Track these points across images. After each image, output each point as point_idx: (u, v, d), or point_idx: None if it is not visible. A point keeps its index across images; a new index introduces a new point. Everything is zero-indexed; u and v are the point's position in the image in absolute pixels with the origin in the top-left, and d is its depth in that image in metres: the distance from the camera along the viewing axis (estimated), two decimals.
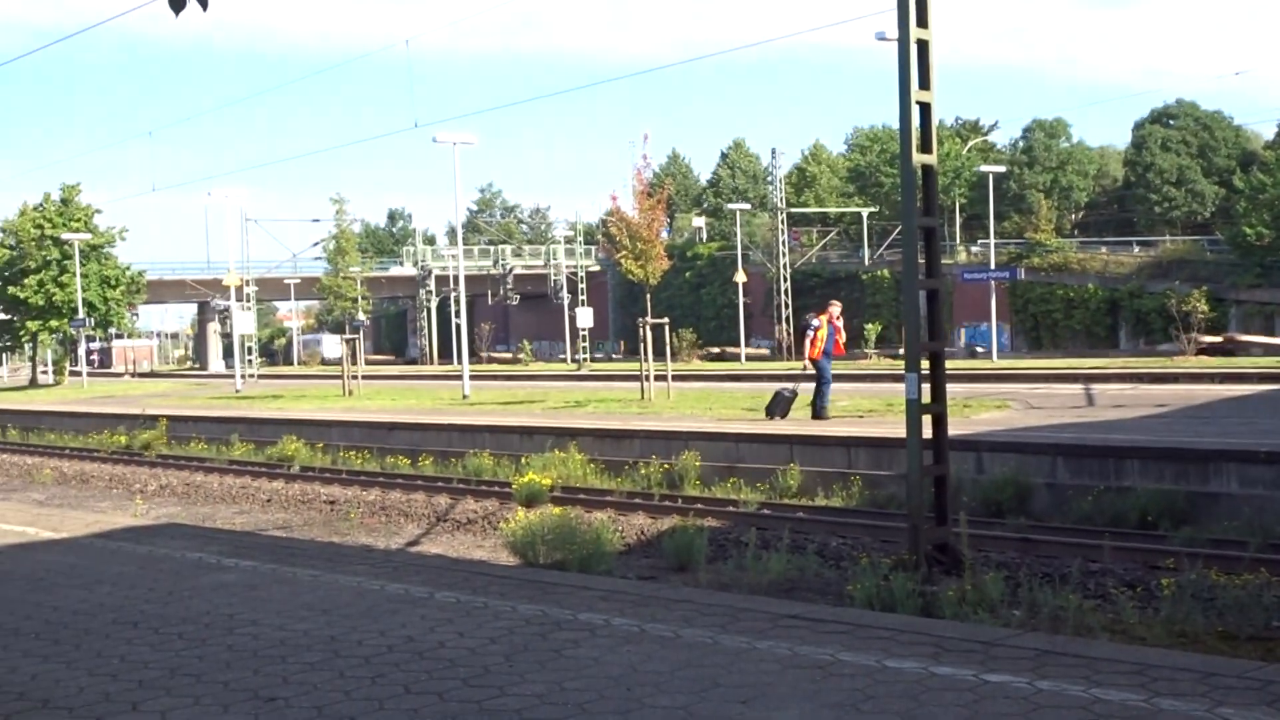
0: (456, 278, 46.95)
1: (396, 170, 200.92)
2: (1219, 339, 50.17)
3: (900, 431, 14.02)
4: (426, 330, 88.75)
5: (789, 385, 22.34)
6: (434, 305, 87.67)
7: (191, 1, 5.31)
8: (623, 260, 29.83)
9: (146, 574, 9.08)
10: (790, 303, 71.66)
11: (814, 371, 21.41)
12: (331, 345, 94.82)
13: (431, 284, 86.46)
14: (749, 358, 63.65)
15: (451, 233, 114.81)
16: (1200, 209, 75.26)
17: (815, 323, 21.32)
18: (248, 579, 8.71)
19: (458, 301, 46.35)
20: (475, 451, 22.32)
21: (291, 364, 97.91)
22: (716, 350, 71.17)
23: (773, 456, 18.38)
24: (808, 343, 21.24)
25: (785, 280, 71.60)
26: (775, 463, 18.15)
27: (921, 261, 11.01)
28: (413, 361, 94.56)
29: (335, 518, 18.51)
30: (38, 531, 11.88)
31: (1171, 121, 77.35)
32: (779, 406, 20.85)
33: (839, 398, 25.45)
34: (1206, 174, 75.25)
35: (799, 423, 20.56)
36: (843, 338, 21.74)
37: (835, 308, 21.81)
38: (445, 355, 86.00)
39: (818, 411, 20.88)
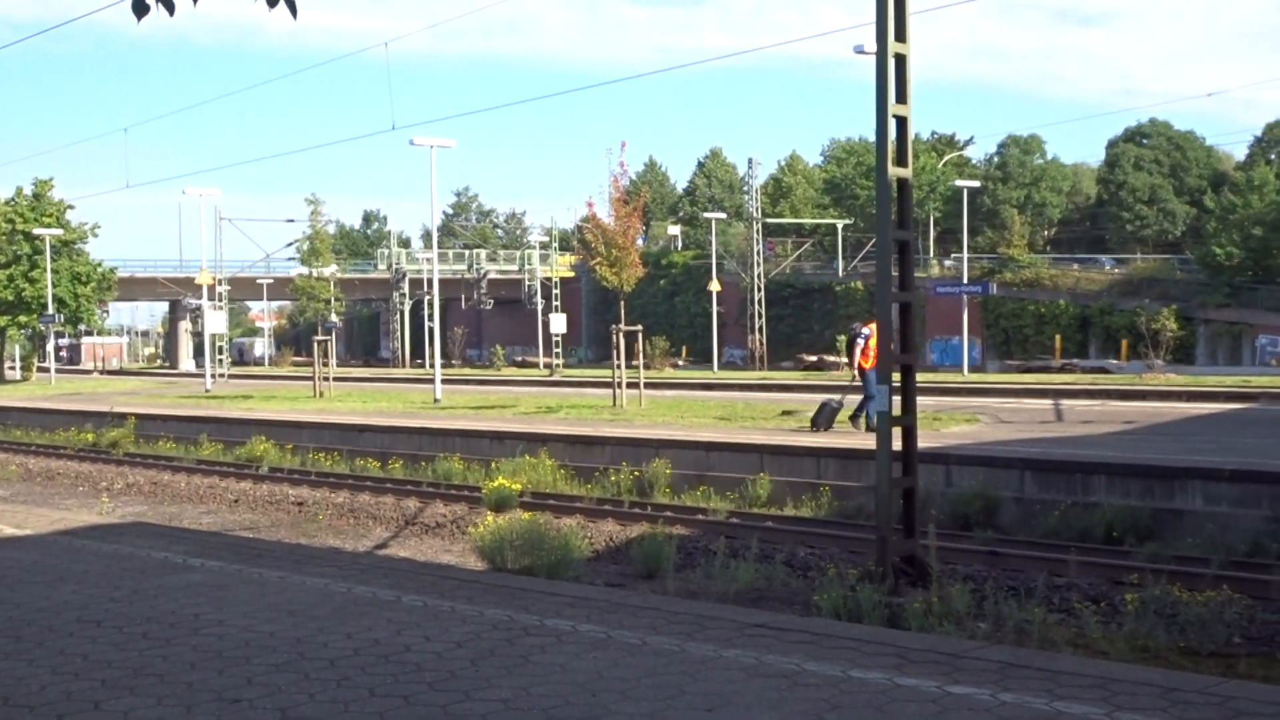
0: (430, 281, 46.85)
1: (373, 172, 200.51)
2: (1061, 361, 54.44)
3: (870, 443, 14.09)
4: (399, 333, 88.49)
5: (835, 396, 22.18)
6: (407, 308, 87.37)
7: (158, 6, 5.27)
8: (597, 266, 29.85)
9: (111, 572, 9.01)
10: (764, 313, 71.95)
11: (860, 383, 20.93)
12: (258, 348, 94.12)
13: (405, 287, 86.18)
14: (722, 366, 63.77)
15: (426, 236, 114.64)
16: (1171, 228, 75.97)
17: (865, 332, 20.83)
18: (214, 579, 8.65)
19: (431, 305, 46.25)
20: (445, 455, 22.26)
21: (262, 364, 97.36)
22: (681, 361, 71.25)
23: (743, 465, 18.41)
24: (858, 352, 20.69)
25: (759, 290, 71.85)
26: (745, 472, 18.19)
27: (895, 274, 11.06)
28: (385, 364, 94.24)
29: (303, 519, 18.44)
30: (1, 528, 11.77)
31: (1145, 140, 78.04)
32: (823, 418, 20.55)
33: (804, 408, 25.56)
34: (1178, 193, 75.98)
35: (782, 433, 20.61)
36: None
37: None
38: (417, 358, 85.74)
39: (867, 424, 20.20)
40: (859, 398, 21.06)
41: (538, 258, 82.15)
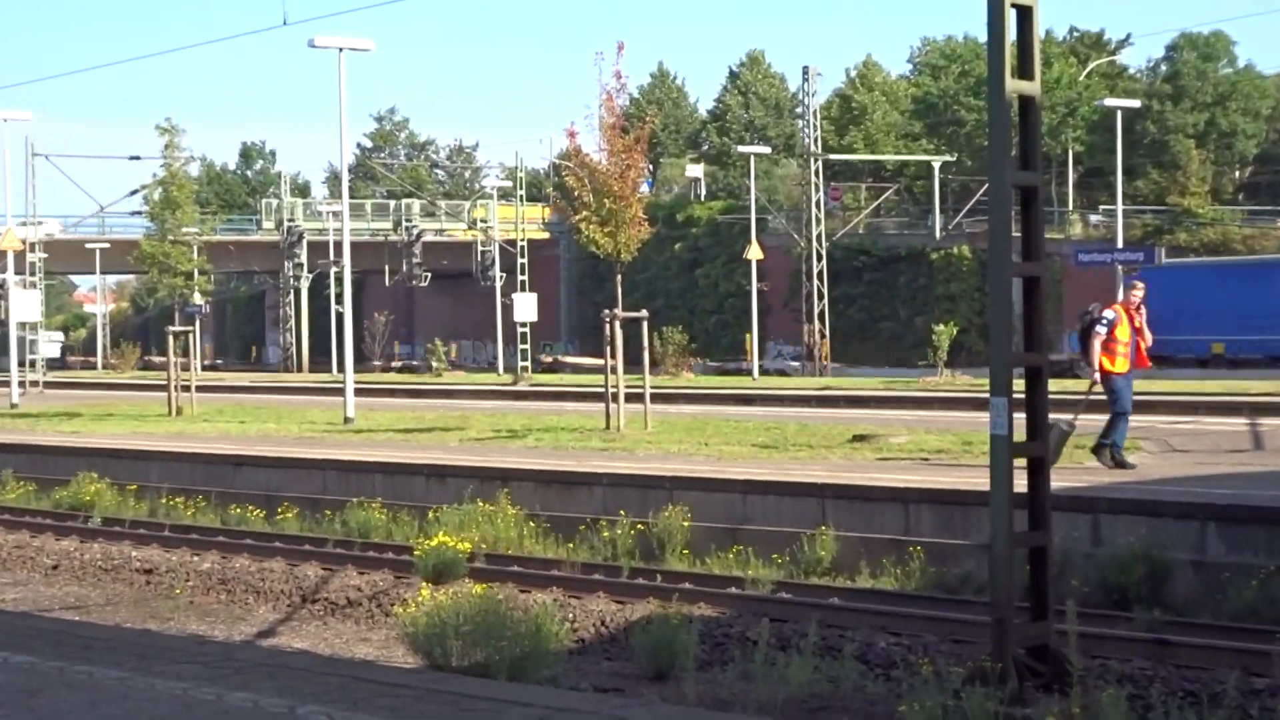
0: (339, 245, 46.88)
1: (256, 89, 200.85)
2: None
3: (981, 481, 13.98)
4: (293, 322, 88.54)
5: (1066, 417, 21.49)
6: (305, 286, 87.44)
7: None
8: (583, 225, 29.82)
9: None
10: (826, 291, 71.87)
11: (1101, 393, 20.05)
12: (49, 345, 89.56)
13: (302, 254, 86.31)
14: (764, 370, 63.83)
15: (333, 180, 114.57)
16: None
17: (1108, 315, 19.63)
18: (22, 682, 8.64)
19: (340, 280, 46.26)
20: (362, 501, 22.25)
21: (95, 366, 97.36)
22: (705, 362, 71.30)
23: (797, 515, 18.40)
24: (1096, 346, 19.59)
25: (820, 259, 71.88)
26: (800, 524, 18.18)
27: (1017, 236, 11.06)
28: (273, 367, 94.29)
29: (153, 594, 18.38)
30: None
31: None
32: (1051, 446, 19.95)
33: (893, 430, 25.48)
34: None
35: (854, 467, 20.58)
36: (1148, 340, 19.97)
37: (1137, 291, 20.27)
38: (320, 359, 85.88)
39: (1115, 456, 19.63)
40: (1104, 417, 20.29)
41: (495, 212, 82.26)
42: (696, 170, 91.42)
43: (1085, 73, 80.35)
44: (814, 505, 18.37)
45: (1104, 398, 20.08)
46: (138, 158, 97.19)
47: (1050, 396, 11.41)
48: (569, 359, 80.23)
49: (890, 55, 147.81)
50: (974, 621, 13.68)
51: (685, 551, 18.64)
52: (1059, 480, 13.68)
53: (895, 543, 17.36)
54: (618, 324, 28.55)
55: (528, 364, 64.64)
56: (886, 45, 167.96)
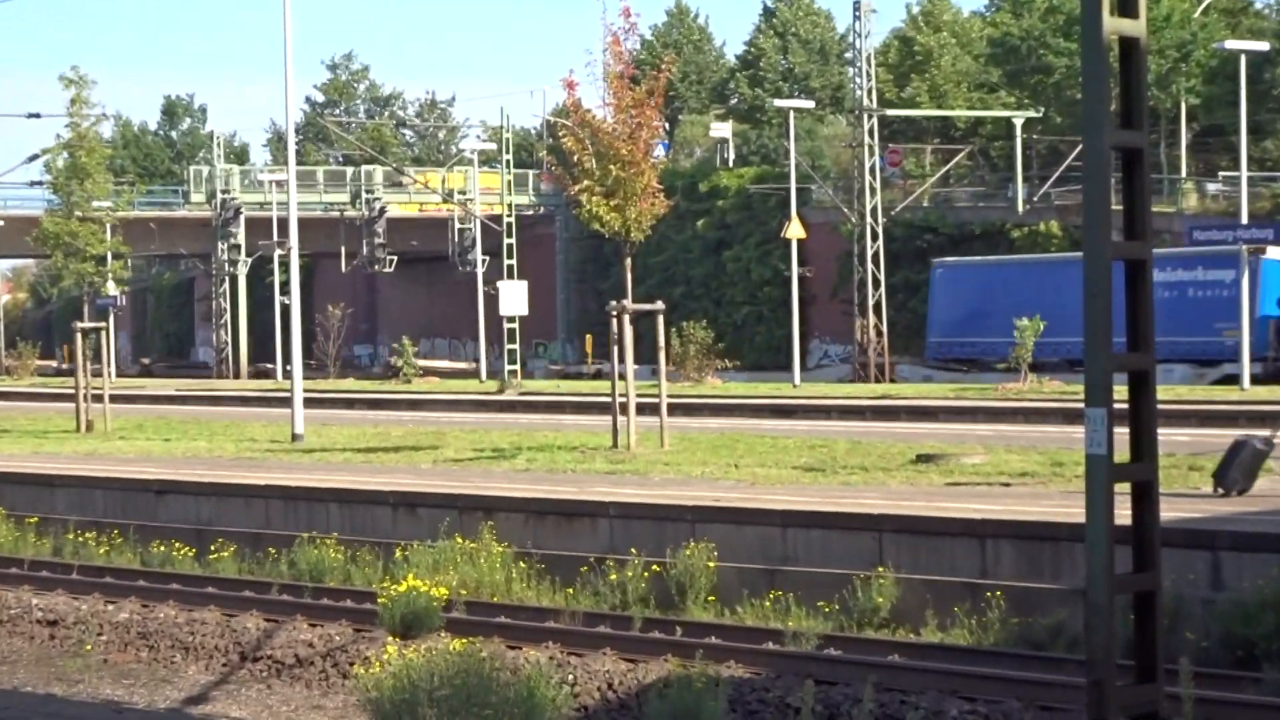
0: (285, 223, 46.91)
1: (182, 32, 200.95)
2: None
3: (1074, 512, 13.88)
4: (229, 317, 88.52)
5: (1263, 434, 21.21)
6: (244, 272, 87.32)
7: None
8: (585, 198, 29.82)
9: None
10: (883, 277, 71.77)
11: None
12: None
13: (239, 233, 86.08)
14: (806, 375, 63.70)
15: (277, 142, 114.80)
16: None
17: None
18: None
19: (286, 266, 46.23)
20: (314, 537, 22.27)
21: None
22: (733, 366, 71.03)
23: (848, 553, 18.43)
24: None
25: (875, 238, 71.79)
26: (852, 564, 18.19)
27: (1117, 209, 11.02)
28: (205, 372, 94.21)
29: (59, 651, 18.40)
30: None
31: None
32: (1238, 469, 19.93)
33: (966, 449, 25.46)
34: None
35: (918, 494, 20.57)
36: None
37: None
38: (262, 361, 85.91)
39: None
40: None
41: (477, 181, 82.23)
42: (723, 130, 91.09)
43: (1201, 8, 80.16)
44: (869, 541, 18.40)
45: None
46: (37, 115, 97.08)
47: (1161, 407, 11.37)
48: (423, 361, 79.61)
49: None
50: (1066, 684, 13.71)
51: (711, 598, 18.68)
52: (1169, 510, 13.62)
53: (969, 587, 17.39)
54: (627, 318, 28.54)
55: (517, 367, 64.55)
56: None
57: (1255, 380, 49.80)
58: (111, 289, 70.76)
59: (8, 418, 45.36)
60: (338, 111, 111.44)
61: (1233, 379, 51.19)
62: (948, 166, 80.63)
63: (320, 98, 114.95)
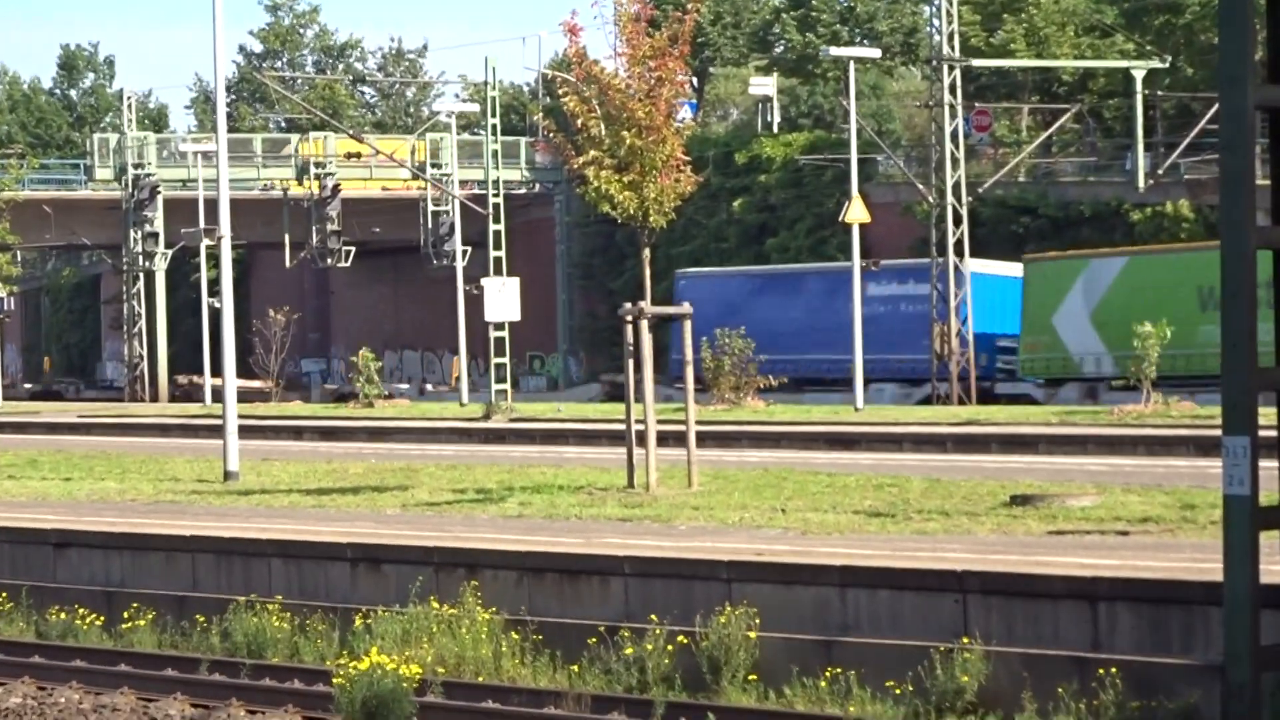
0: (213, 204, 47.11)
1: None
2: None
3: (1210, 567, 13.96)
4: (144, 325, 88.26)
5: None
6: (162, 268, 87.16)
7: None
8: (591, 173, 29.93)
9: None
10: (968, 272, 71.77)
11: None
12: None
13: (156, 219, 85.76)
14: (870, 395, 63.75)
15: (203, 104, 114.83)
16: None
17: None
18: None
19: (216, 259, 46.40)
20: (253, 601, 22.43)
21: None
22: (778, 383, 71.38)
23: (924, 621, 18.62)
24: None
25: (959, 221, 71.85)
26: (930, 634, 18.35)
27: (1264, 184, 11.18)
28: (115, 392, 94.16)
29: None
30: None
31: None
32: None
33: (1073, 488, 25.57)
34: None
35: (1013, 545, 20.72)
36: None
37: None
38: (186, 375, 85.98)
39: None
40: None
41: (455, 152, 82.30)
42: (766, 86, 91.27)
43: None
44: (951, 605, 18.51)
45: None
46: None
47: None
48: (184, 378, 79.77)
49: None
50: None
51: (752, 677, 18.75)
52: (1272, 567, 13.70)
53: (1077, 662, 17.49)
54: (645, 325, 28.71)
55: (507, 387, 64.46)
56: None
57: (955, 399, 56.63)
58: None
59: None
60: (280, 65, 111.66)
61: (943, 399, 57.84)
62: (1050, 131, 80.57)
63: (258, 47, 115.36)
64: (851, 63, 66.42)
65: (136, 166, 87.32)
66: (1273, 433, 11.39)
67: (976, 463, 34.03)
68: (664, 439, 29.39)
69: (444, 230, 77.61)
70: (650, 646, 19.30)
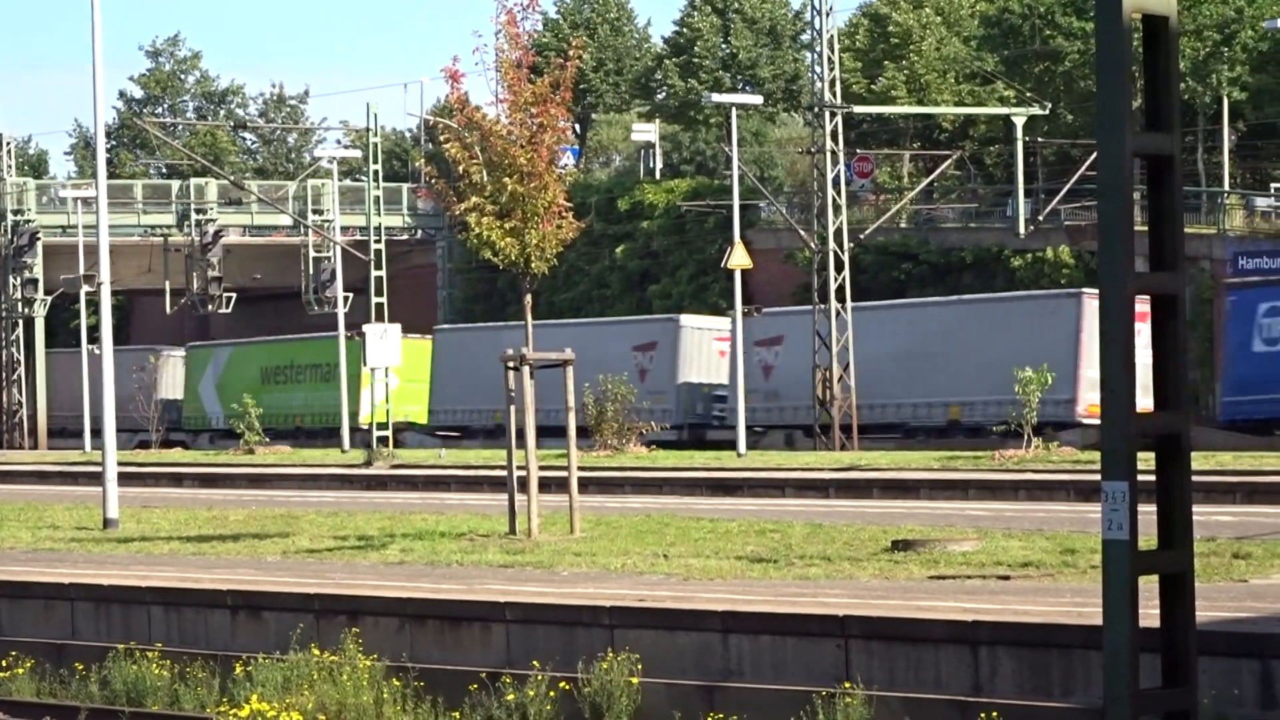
0: (93, 250, 46.69)
1: None
2: None
3: (1090, 611, 13.91)
4: (22, 372, 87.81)
5: None
6: (41, 314, 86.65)
7: None
8: (473, 219, 29.85)
9: None
10: (850, 318, 71.88)
11: None
12: None
13: (35, 264, 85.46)
14: (758, 438, 63.72)
15: (83, 150, 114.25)
16: None
17: None
18: None
19: (95, 305, 46.04)
20: (132, 649, 22.20)
21: None
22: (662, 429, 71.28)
23: (807, 666, 18.49)
24: None
25: (840, 268, 71.91)
26: (812, 679, 18.23)
27: (1142, 230, 11.12)
28: None
29: None
30: None
31: None
32: None
33: (954, 533, 25.56)
34: None
35: (894, 590, 20.63)
36: None
37: None
38: (64, 422, 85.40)
39: None
40: None
41: (336, 198, 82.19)
42: (648, 132, 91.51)
43: None
44: (833, 650, 18.43)
45: None
46: None
47: (1197, 479, 11.45)
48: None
49: None
50: None
51: None
52: (1208, 609, 13.66)
53: (959, 706, 17.45)
54: (528, 371, 28.56)
55: (389, 434, 64.26)
56: None
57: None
58: None
59: None
60: (161, 110, 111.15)
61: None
62: (931, 178, 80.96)
63: (139, 93, 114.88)
64: (734, 109, 66.80)
65: (15, 212, 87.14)
66: (1152, 477, 11.24)
67: (859, 508, 34.13)
68: (546, 485, 29.39)
69: (325, 276, 77.66)
70: (532, 693, 19.20)
